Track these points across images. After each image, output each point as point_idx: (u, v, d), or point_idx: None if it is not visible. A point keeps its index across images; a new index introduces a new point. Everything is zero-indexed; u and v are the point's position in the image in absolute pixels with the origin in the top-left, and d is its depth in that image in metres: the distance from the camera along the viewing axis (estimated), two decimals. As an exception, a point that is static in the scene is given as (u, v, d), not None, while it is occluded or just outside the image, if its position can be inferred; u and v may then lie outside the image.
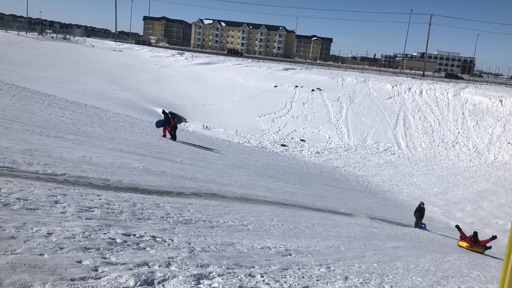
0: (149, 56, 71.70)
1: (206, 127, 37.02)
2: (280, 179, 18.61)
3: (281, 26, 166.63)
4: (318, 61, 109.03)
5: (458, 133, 43.70)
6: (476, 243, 15.07)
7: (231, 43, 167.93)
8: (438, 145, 41.17)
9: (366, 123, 44.57)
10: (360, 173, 31.49)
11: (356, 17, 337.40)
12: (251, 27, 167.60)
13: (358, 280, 5.81)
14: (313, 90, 52.32)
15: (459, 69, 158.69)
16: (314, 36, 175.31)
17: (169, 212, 6.50)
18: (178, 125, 21.48)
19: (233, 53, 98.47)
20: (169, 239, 5.00)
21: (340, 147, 38.63)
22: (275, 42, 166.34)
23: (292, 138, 39.48)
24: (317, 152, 36.28)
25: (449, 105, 49.50)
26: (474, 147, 41.15)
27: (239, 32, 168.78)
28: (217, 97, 49.16)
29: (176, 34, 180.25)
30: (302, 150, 36.27)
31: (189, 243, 5.11)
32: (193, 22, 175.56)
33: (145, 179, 8.72)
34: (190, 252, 4.75)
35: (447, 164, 36.62)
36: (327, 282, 5.27)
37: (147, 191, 7.66)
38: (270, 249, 6.19)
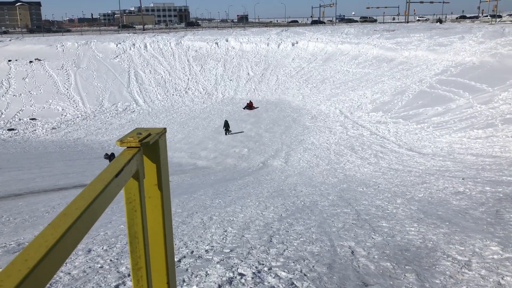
0: None
1: None
2: (12, 168, 16.48)
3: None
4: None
5: (188, 79, 46.62)
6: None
7: None
8: (172, 95, 43.16)
9: (99, 87, 43.01)
10: (104, 139, 30.64)
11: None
12: None
13: (103, 248, 5.66)
14: (31, 61, 46.95)
15: (176, 19, 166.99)
16: (18, 1, 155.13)
17: None
18: None
19: None
20: None
21: (78, 117, 36.50)
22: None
23: (20, 120, 35.18)
24: (53, 128, 33.48)
25: (174, 54, 51.92)
26: (204, 89, 44.76)
27: None
28: None
29: None
30: (35, 130, 32.88)
31: None
32: None
33: None
34: None
35: (185, 110, 38.93)
36: (66, 263, 4.94)
37: None
38: (-4, 251, 5.41)
